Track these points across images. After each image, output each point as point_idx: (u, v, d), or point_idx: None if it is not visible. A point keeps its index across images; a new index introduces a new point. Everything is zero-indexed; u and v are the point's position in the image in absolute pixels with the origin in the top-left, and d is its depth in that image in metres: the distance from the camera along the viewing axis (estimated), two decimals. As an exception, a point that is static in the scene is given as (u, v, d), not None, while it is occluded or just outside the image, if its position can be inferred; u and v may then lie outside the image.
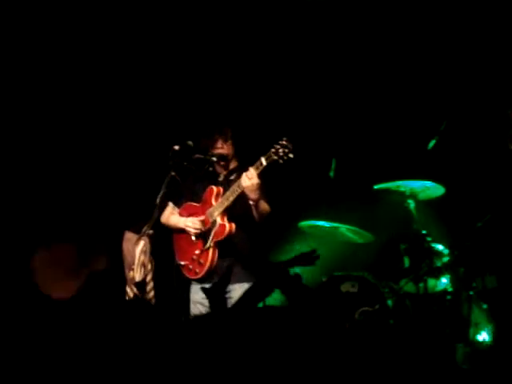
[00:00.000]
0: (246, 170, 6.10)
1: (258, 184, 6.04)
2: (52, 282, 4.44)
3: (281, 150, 5.88)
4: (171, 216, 6.50)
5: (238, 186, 6.11)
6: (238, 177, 6.33)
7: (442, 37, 7.93)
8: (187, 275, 6.38)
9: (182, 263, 6.39)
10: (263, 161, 5.97)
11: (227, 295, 6.19)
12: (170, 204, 6.49)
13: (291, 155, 5.87)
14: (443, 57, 7.98)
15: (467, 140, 7.80)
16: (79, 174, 8.01)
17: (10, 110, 8.06)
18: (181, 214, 6.49)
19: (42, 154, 8.10)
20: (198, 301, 6.32)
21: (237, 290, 6.09)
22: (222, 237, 6.23)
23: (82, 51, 8.17)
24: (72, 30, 8.12)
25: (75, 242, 5.96)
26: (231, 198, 6.17)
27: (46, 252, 4.78)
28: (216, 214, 6.24)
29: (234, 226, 6.23)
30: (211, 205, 6.32)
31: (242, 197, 6.14)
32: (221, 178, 6.53)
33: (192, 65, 8.33)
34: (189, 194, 6.52)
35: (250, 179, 6.02)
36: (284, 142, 5.90)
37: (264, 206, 6.27)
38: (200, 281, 6.29)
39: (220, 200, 6.28)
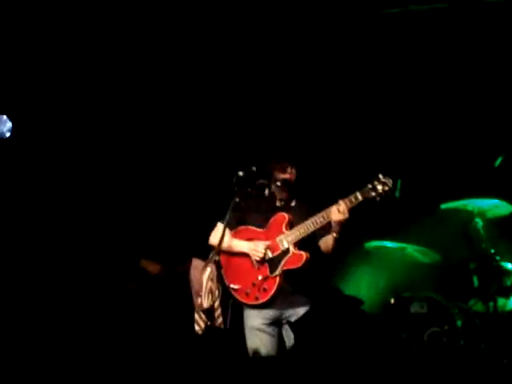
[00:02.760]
0: (305, 200, 6.08)
1: (346, 219, 6.01)
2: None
3: (380, 188, 5.85)
4: (227, 238, 6.36)
5: (324, 217, 6.06)
6: (297, 204, 6.36)
7: (506, 56, 7.89)
8: (242, 300, 6.30)
9: (236, 287, 6.31)
10: (359, 196, 5.93)
11: (287, 320, 6.25)
12: (219, 225, 6.38)
13: (390, 193, 5.86)
14: (507, 74, 7.92)
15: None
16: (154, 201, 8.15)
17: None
18: (237, 238, 6.41)
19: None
20: (257, 327, 6.27)
21: (294, 316, 6.17)
22: (297, 266, 6.18)
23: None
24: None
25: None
26: (311, 228, 6.13)
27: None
28: (289, 241, 6.21)
29: (309, 255, 6.19)
30: (281, 232, 6.26)
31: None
32: (279, 204, 6.46)
33: (262, 90, 8.42)
34: (241, 218, 6.44)
35: (341, 213, 5.98)
36: (382, 179, 5.87)
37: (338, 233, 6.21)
38: (258, 307, 6.25)
39: (295, 228, 6.22)
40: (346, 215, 5.99)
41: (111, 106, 8.34)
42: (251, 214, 6.47)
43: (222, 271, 6.43)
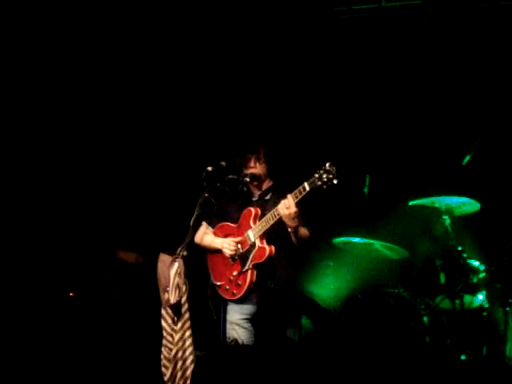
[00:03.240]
0: (282, 192, 6.05)
1: (295, 212, 5.96)
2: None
3: (325, 176, 5.79)
4: (206, 236, 6.50)
5: (276, 213, 6.05)
6: (274, 196, 6.33)
7: (476, 55, 7.93)
8: (224, 296, 6.35)
9: (219, 284, 6.37)
10: (306, 186, 5.88)
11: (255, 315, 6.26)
12: (204, 223, 6.49)
13: (335, 181, 5.79)
14: (477, 74, 7.96)
15: (503, 155, 7.74)
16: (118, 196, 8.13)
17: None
18: (215, 234, 6.48)
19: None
20: (236, 322, 6.30)
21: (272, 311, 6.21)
22: (262, 260, 6.18)
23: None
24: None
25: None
26: (270, 222, 6.11)
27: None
28: (255, 236, 6.21)
29: (273, 248, 6.18)
30: (249, 226, 6.27)
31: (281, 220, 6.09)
32: (255, 198, 6.50)
33: (226, 85, 8.40)
34: (223, 214, 6.50)
35: (287, 208, 5.95)
36: (328, 168, 5.81)
37: (303, 232, 6.20)
38: (237, 302, 6.28)
39: (259, 223, 6.22)
40: (293, 209, 5.94)
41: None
42: (228, 210, 6.50)
43: (209, 269, 6.51)
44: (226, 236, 6.39)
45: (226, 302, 6.38)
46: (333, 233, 7.83)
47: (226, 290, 6.32)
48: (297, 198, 5.93)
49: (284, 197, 6.02)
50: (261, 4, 8.26)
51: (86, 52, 8.28)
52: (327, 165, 5.82)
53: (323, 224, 7.79)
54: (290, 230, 6.08)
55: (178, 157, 8.34)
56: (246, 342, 6.25)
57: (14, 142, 8.11)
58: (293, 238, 6.14)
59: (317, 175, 5.81)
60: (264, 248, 6.19)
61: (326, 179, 5.78)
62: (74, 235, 8.13)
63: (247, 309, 6.30)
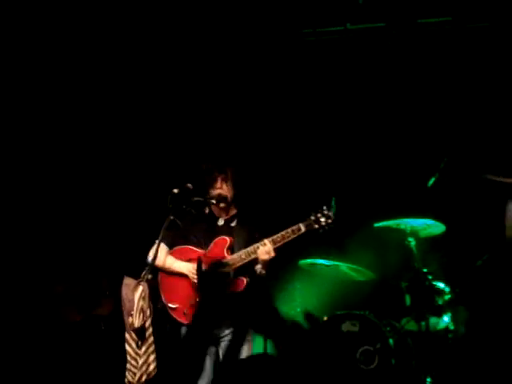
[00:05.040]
0: (247, 223, 6.05)
1: (273, 257, 6.00)
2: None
3: (323, 220, 5.81)
4: (170, 259, 6.37)
5: (253, 255, 6.05)
6: (239, 224, 6.31)
7: (441, 78, 8.01)
8: (178, 319, 6.25)
9: (174, 306, 6.26)
10: (302, 228, 5.90)
11: (224, 339, 6.22)
12: (161, 244, 6.27)
13: (333, 226, 5.81)
14: (441, 96, 8.04)
15: (467, 177, 7.79)
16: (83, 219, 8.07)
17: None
18: (175, 257, 6.37)
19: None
20: (192, 344, 6.23)
21: (230, 335, 6.18)
22: (239, 290, 6.16)
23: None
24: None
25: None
26: (246, 260, 6.10)
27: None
28: (230, 267, 6.16)
29: (248, 280, 6.17)
30: (223, 256, 6.21)
31: None
32: (220, 223, 6.44)
33: (194, 104, 8.39)
34: (184, 237, 6.39)
35: (267, 253, 5.98)
36: (326, 212, 5.83)
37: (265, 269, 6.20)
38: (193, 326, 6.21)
39: (235, 255, 6.16)
40: (272, 254, 6.00)
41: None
42: (192, 233, 6.39)
43: (160, 289, 6.38)
44: (189, 260, 6.30)
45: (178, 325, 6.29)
46: (300, 255, 7.82)
47: (184, 314, 6.21)
48: (279, 242, 5.97)
49: (249, 228, 6.12)
50: (228, 24, 8.27)
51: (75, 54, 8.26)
52: (325, 208, 5.82)
53: (289, 246, 7.82)
54: (257, 268, 6.10)
55: (144, 177, 8.29)
56: (204, 365, 6.21)
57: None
58: (262, 274, 6.14)
59: (313, 218, 5.81)
60: (242, 280, 6.16)
61: (324, 223, 5.81)
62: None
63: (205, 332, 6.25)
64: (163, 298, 6.31)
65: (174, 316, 6.26)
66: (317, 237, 6.05)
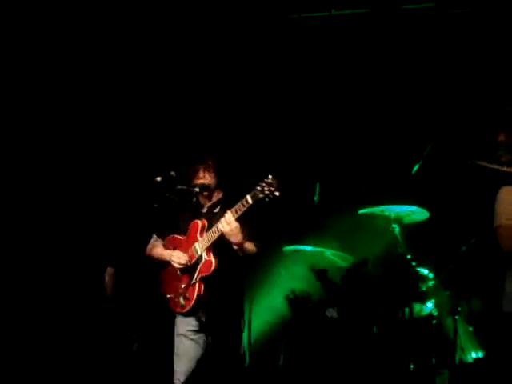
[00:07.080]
0: (231, 206, 6.01)
1: (236, 228, 5.93)
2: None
3: (266, 188, 5.73)
4: (155, 248, 6.42)
5: (217, 229, 6.02)
6: (222, 209, 6.27)
7: (424, 63, 8.00)
8: (172, 309, 6.28)
9: (168, 296, 6.29)
10: (249, 199, 5.83)
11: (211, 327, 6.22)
12: (154, 236, 6.42)
13: (277, 193, 5.76)
14: (426, 82, 8.04)
15: (451, 164, 7.80)
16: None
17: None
18: (165, 246, 6.40)
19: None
20: (183, 333, 6.25)
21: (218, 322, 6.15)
22: (208, 273, 6.13)
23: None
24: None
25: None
26: (213, 237, 6.07)
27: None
28: (201, 249, 6.15)
29: (216, 261, 6.14)
30: (196, 239, 6.22)
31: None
32: (204, 210, 6.42)
33: (176, 95, 8.35)
34: (172, 226, 6.41)
35: (228, 224, 5.92)
36: (269, 180, 5.76)
37: (250, 247, 6.16)
38: (186, 314, 6.22)
39: (205, 235, 6.17)
40: (233, 225, 5.92)
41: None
42: (179, 222, 6.40)
43: (159, 281, 6.41)
44: (174, 248, 6.31)
45: (174, 315, 6.32)
46: (283, 241, 7.81)
47: (175, 302, 6.24)
48: (237, 212, 5.90)
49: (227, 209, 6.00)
50: (212, 11, 8.23)
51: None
52: (270, 177, 5.79)
53: (273, 232, 7.82)
54: (234, 246, 6.05)
55: (126, 166, 8.26)
56: (192, 353, 6.20)
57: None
58: (239, 254, 6.11)
59: (259, 188, 5.77)
60: (210, 261, 6.13)
61: (267, 192, 5.73)
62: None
63: (192, 320, 6.23)
64: (161, 290, 6.36)
65: (170, 306, 6.29)
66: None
